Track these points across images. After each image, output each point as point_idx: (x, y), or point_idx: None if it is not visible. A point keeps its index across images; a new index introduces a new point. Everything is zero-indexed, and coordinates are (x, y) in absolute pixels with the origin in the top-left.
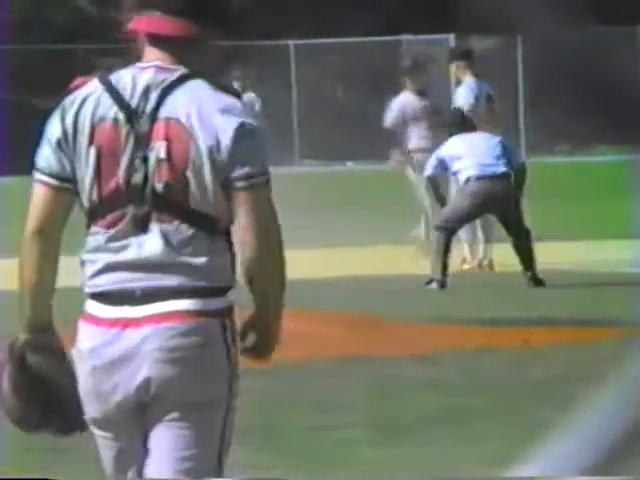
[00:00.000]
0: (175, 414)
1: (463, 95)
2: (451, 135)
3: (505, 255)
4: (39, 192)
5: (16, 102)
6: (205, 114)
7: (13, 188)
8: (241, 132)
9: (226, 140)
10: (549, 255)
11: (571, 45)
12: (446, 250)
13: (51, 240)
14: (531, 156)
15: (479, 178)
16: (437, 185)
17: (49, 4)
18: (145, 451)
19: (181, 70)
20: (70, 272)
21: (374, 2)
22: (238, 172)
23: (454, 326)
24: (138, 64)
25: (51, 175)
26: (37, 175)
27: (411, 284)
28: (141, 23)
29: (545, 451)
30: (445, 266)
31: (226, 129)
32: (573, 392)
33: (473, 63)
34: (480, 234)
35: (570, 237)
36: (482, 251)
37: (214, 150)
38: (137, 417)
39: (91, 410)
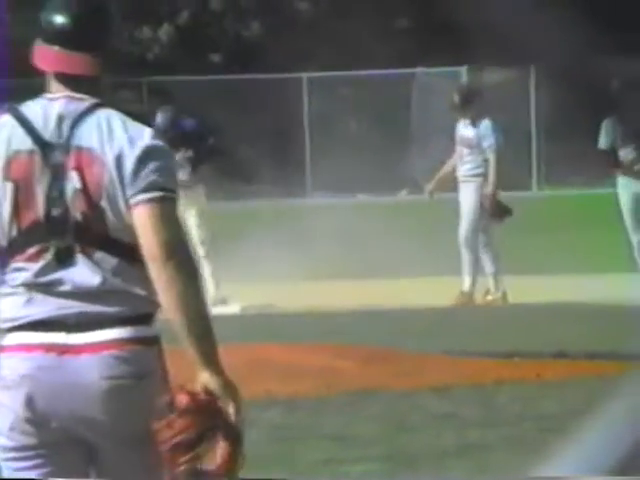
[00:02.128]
0: (121, 446)
1: (493, 134)
2: None
3: (519, 288)
4: None
5: None
6: (116, 143)
7: None
8: (144, 154)
9: (130, 163)
10: (560, 288)
11: (586, 75)
12: None
13: None
14: (545, 188)
15: None
16: None
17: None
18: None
19: (92, 100)
20: None
21: (387, 35)
22: (137, 188)
23: (468, 359)
24: (47, 95)
25: None
26: None
27: (424, 316)
28: (41, 60)
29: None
30: None
31: (131, 153)
32: (586, 426)
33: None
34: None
35: (582, 270)
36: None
37: (121, 176)
38: (79, 442)
39: (21, 438)
